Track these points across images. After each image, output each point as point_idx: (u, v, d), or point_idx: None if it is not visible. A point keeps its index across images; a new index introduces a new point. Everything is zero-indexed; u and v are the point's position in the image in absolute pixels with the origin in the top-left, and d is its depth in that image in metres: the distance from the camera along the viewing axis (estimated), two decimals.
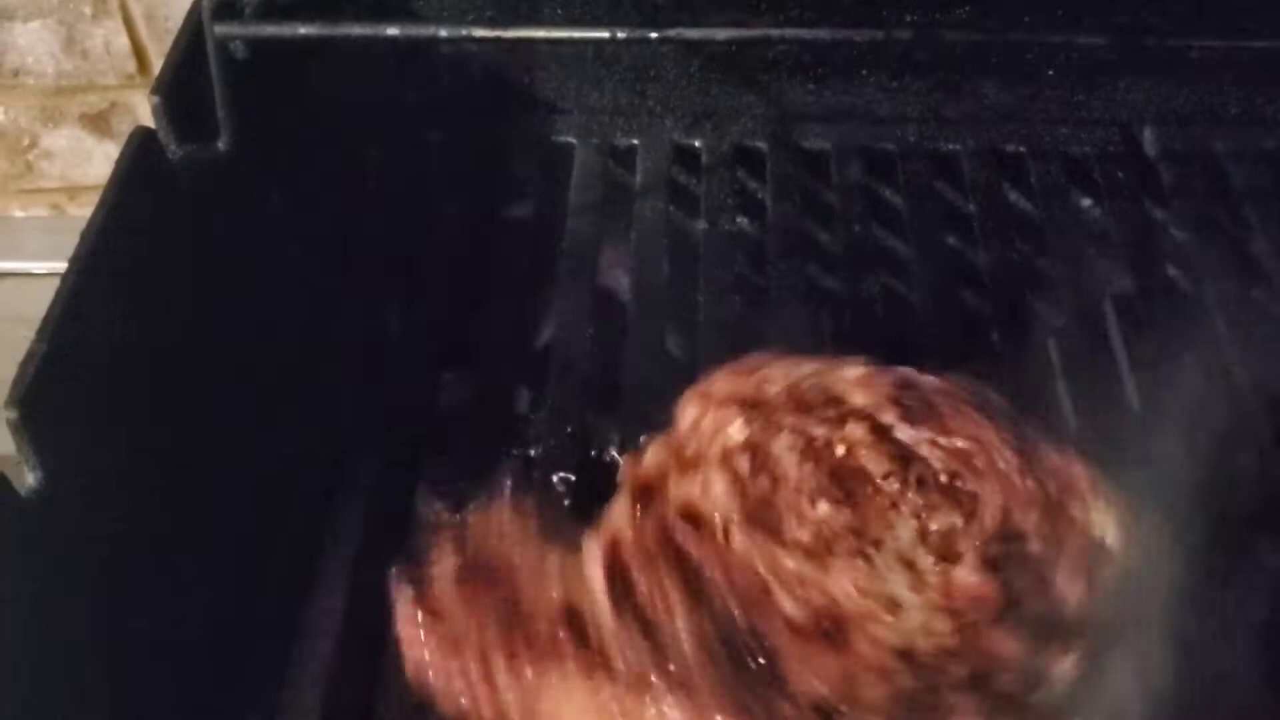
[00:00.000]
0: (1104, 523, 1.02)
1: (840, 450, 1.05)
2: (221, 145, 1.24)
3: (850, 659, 0.95)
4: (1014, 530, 1.01)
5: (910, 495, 1.04)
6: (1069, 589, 0.98)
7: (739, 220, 1.52)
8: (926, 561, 0.99)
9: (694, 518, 1.03)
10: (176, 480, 1.11)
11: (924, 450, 1.06)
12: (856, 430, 1.08)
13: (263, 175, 1.31)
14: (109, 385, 1.04)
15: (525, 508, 1.08)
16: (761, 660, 0.95)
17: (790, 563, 1.00)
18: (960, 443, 1.06)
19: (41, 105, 1.86)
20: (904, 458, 1.06)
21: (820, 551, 1.00)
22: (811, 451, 1.06)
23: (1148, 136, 1.61)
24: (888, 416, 1.07)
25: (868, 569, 0.99)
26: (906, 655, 0.95)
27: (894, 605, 0.98)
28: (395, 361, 1.37)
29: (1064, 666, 0.96)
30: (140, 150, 1.14)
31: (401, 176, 1.54)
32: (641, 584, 1.00)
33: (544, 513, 1.08)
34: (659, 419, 1.13)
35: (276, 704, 1.09)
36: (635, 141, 1.60)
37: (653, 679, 0.95)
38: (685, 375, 1.33)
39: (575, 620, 1.00)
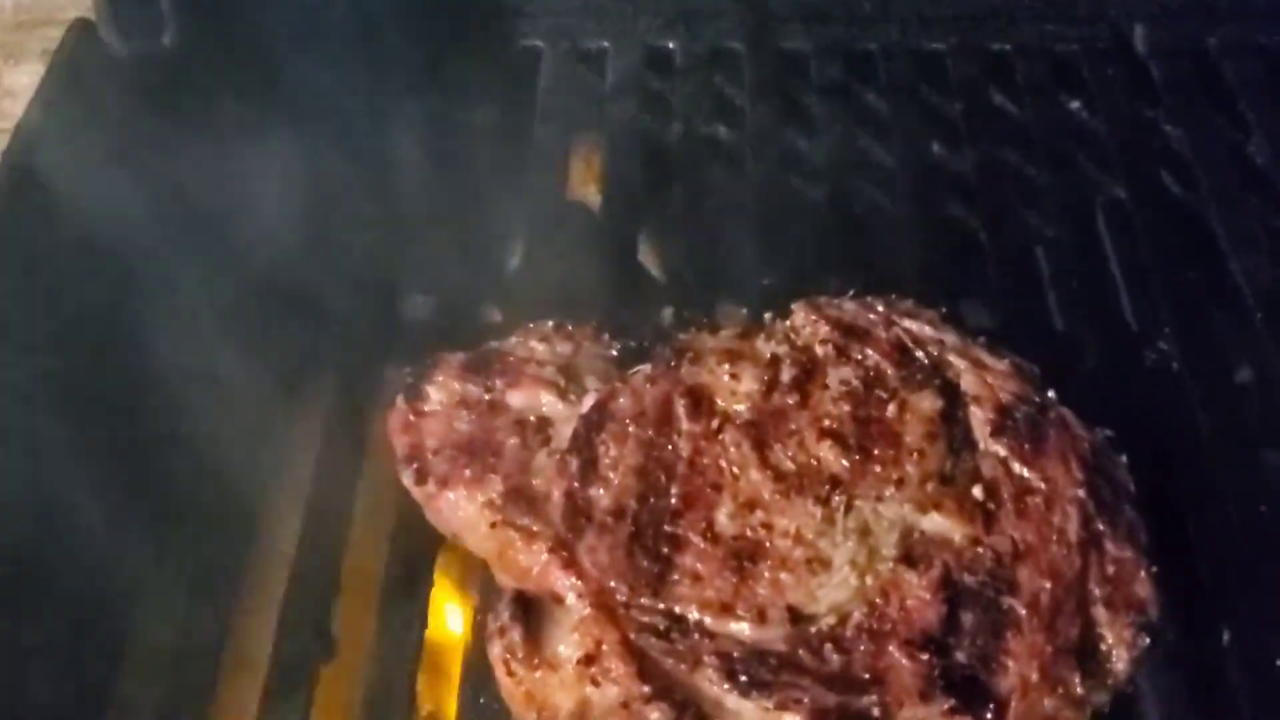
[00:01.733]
0: (1114, 643, 0.91)
1: (893, 409, 1.01)
2: (167, 40, 1.15)
3: (743, 590, 0.91)
4: (1009, 581, 0.93)
5: (929, 485, 0.98)
6: (1006, 679, 0.88)
7: (716, 127, 1.44)
8: (889, 549, 0.95)
9: (699, 401, 1.01)
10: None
11: (986, 460, 0.99)
12: (928, 402, 1.02)
13: (211, 75, 1.23)
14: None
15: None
16: (662, 550, 0.93)
17: (755, 479, 0.97)
18: (1030, 475, 0.98)
19: (1, 42, 1.76)
20: (956, 452, 1.00)
21: (792, 485, 0.97)
22: (863, 395, 1.02)
23: (1138, 33, 1.53)
24: (983, 411, 1.01)
25: (823, 522, 0.95)
26: (797, 617, 0.91)
27: (822, 567, 0.93)
28: (358, 282, 1.29)
29: None
30: (79, 44, 1.06)
31: (361, 84, 1.45)
32: (605, 440, 0.98)
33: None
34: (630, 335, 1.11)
35: None
36: (605, 44, 1.52)
37: (535, 526, 0.95)
38: (659, 293, 1.31)
39: (527, 447, 1.00)
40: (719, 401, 1.02)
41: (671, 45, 1.51)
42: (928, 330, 1.08)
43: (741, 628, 0.90)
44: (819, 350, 1.05)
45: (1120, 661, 0.91)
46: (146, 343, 1.10)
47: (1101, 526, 0.96)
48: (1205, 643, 1.01)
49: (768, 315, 1.11)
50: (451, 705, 1.03)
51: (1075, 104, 1.47)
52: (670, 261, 1.34)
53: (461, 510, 0.99)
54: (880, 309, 1.09)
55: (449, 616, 1.09)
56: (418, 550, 1.06)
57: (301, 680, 1.00)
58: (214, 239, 1.16)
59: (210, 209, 1.16)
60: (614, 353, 1.10)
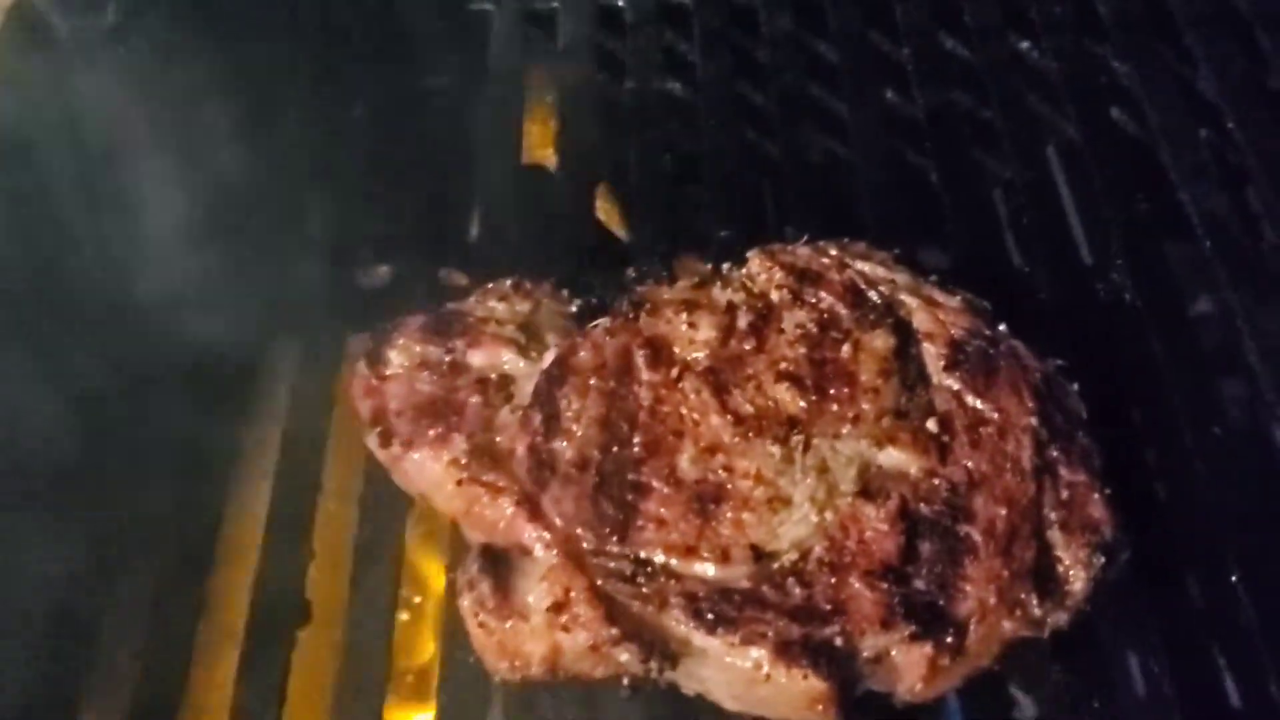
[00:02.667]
0: (1071, 564, 0.93)
1: (847, 349, 1.02)
2: (110, 18, 1.15)
3: (706, 531, 0.93)
4: (965, 510, 0.95)
5: (885, 421, 0.99)
6: (965, 603, 0.90)
7: (669, 82, 1.45)
8: (848, 484, 0.96)
9: (658, 351, 1.02)
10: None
11: (940, 394, 1.01)
12: (881, 340, 1.03)
13: (156, 52, 1.22)
14: None
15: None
16: (626, 497, 0.94)
17: (715, 424, 0.98)
18: (983, 406, 0.99)
19: None
20: (910, 387, 1.02)
21: (752, 427, 0.98)
22: (818, 337, 1.03)
23: None
24: (936, 347, 1.03)
25: (782, 461, 0.97)
26: (760, 554, 0.92)
27: (783, 505, 0.95)
28: (316, 251, 1.30)
29: (910, 661, 0.88)
30: (22, 22, 1.06)
31: (310, 51, 1.45)
32: (567, 393, 1.00)
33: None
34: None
35: None
36: (555, 4, 1.51)
37: (500, 482, 0.96)
38: (619, 251, 1.32)
39: (490, 405, 1.01)
40: (678, 350, 1.03)
41: (621, 3, 1.51)
42: (880, 271, 1.09)
43: (706, 568, 0.92)
44: (774, 296, 1.06)
45: (1077, 582, 0.93)
46: (107, 317, 1.11)
47: (1055, 453, 0.98)
48: (1163, 562, 1.04)
49: (725, 266, 1.12)
50: (428, 662, 1.04)
51: (1025, 44, 1.48)
52: (629, 219, 1.34)
53: (427, 470, 1.00)
54: (833, 253, 1.11)
55: (420, 576, 1.10)
56: (387, 513, 1.07)
57: (279, 645, 1.01)
58: (166, 208, 1.15)
59: (161, 179, 1.15)
60: (573, 309, 1.11)
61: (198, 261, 1.20)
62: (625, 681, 0.91)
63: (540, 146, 1.45)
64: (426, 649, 1.08)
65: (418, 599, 1.11)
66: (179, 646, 1.04)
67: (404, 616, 1.06)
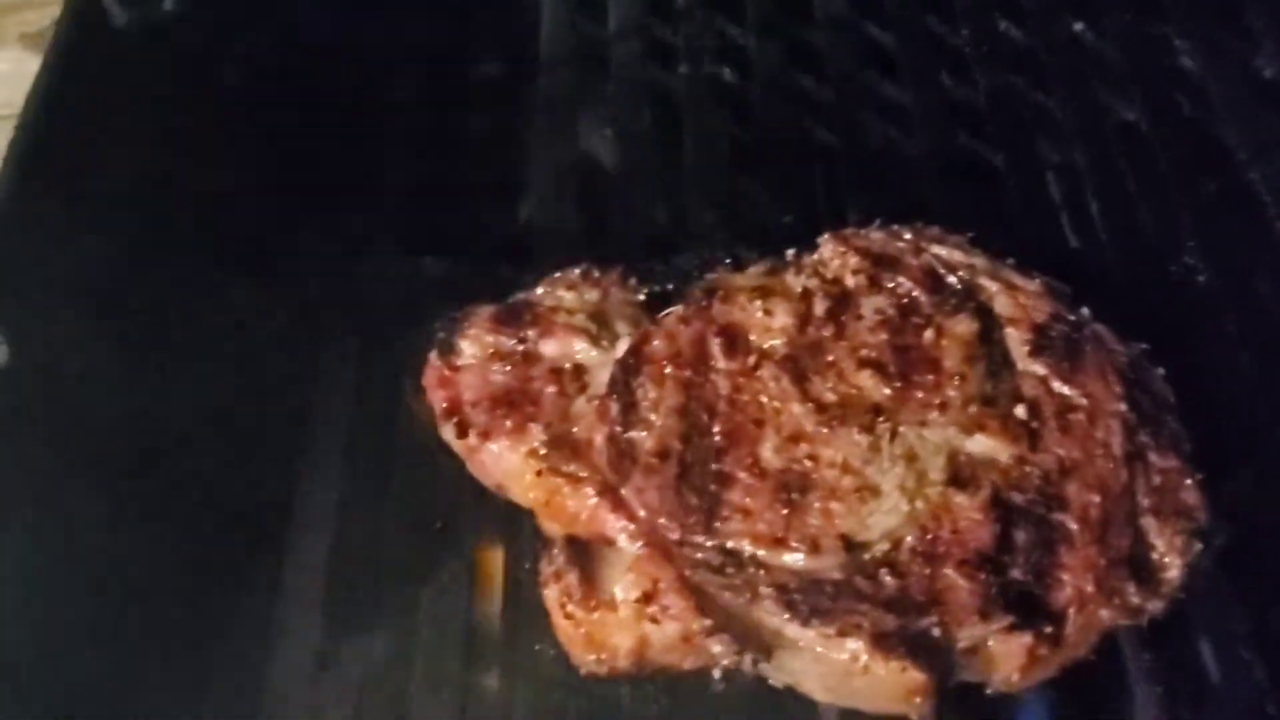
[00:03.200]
0: (1165, 551, 0.91)
1: (929, 335, 1.00)
2: (168, 6, 1.13)
3: (794, 522, 0.91)
4: (1058, 497, 0.92)
5: (972, 407, 0.97)
6: (1062, 592, 0.88)
7: (721, 69, 1.43)
8: (937, 473, 0.94)
9: (734, 338, 1.00)
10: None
11: (1026, 380, 0.99)
12: (964, 325, 1.01)
13: (213, 42, 1.21)
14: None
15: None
16: (709, 487, 0.93)
17: (797, 412, 0.97)
18: (1070, 392, 0.97)
19: None
20: (995, 373, 1.00)
21: (835, 416, 0.96)
22: (898, 322, 1.01)
23: None
24: (1019, 332, 1.01)
25: (869, 450, 0.95)
26: (850, 545, 0.90)
27: (871, 494, 0.93)
28: (366, 247, 1.28)
29: (1008, 652, 0.86)
30: (80, 13, 1.04)
31: (360, 39, 1.43)
32: (643, 382, 0.98)
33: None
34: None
35: None
36: None
37: (581, 472, 0.95)
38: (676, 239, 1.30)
39: (565, 394, 1.00)
40: (754, 338, 1.02)
41: None
42: (957, 255, 1.07)
43: (796, 558, 0.90)
44: (850, 281, 1.05)
45: (1173, 569, 0.91)
46: (168, 320, 1.10)
47: (1144, 438, 0.96)
48: (1251, 547, 1.02)
49: (790, 252, 1.10)
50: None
51: (1081, 25, 1.46)
52: (685, 208, 1.32)
53: (505, 461, 0.99)
54: (908, 237, 1.09)
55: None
56: (457, 508, 1.06)
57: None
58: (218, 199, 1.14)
59: (213, 167, 1.13)
60: (641, 297, 1.10)
61: (251, 262, 1.19)
62: (717, 675, 0.89)
63: (592, 132, 1.42)
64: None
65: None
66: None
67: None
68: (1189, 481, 0.94)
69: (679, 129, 1.37)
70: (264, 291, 1.19)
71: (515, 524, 1.03)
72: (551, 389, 1.01)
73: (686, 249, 1.23)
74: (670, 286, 1.11)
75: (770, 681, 0.92)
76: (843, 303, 1.03)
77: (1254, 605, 1.00)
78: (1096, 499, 0.92)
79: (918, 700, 0.86)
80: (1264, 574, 1.02)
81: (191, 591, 1.03)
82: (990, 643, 0.87)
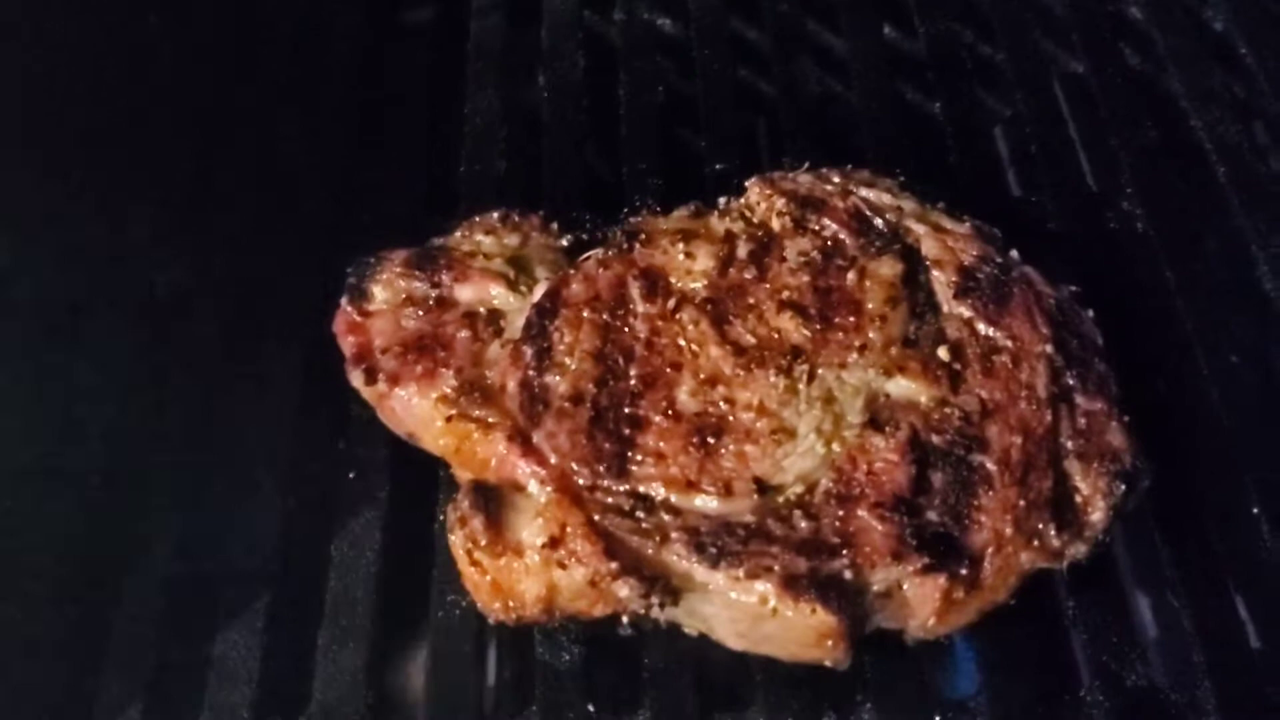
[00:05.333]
0: (1089, 494, 0.89)
1: (852, 277, 0.98)
2: None
3: (707, 466, 0.89)
4: (979, 439, 0.90)
5: (893, 349, 0.95)
6: (979, 534, 0.86)
7: (659, 17, 1.39)
8: (855, 415, 0.92)
9: (654, 281, 0.98)
10: None
11: (951, 322, 0.97)
12: (888, 267, 0.99)
13: None
14: None
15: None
16: (623, 431, 0.90)
17: (715, 355, 0.94)
18: (996, 334, 0.95)
19: None
20: (920, 315, 0.98)
21: (753, 358, 0.94)
22: (822, 264, 0.99)
23: None
24: (945, 274, 0.99)
25: (786, 392, 0.92)
26: (764, 488, 0.88)
27: (787, 437, 0.91)
28: (295, 192, 1.25)
29: (923, 595, 0.84)
30: None
31: None
32: (560, 326, 0.96)
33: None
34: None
35: None
36: None
37: (491, 418, 0.92)
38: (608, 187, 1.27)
39: (479, 340, 0.97)
40: (674, 281, 0.99)
41: None
42: (886, 198, 1.05)
43: (708, 502, 0.87)
44: (775, 224, 1.02)
45: (1096, 511, 0.89)
46: None
47: (1071, 380, 0.94)
48: (1178, 496, 1.00)
49: (722, 200, 1.08)
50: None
51: None
52: (618, 156, 1.29)
53: (415, 407, 0.96)
54: (836, 179, 1.06)
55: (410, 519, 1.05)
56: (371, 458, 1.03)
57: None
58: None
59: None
60: (564, 243, 1.07)
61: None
62: (625, 620, 0.87)
63: (527, 83, 1.39)
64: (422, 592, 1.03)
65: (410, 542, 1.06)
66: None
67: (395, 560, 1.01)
68: (1115, 424, 0.92)
69: (614, 77, 1.33)
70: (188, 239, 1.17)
71: (431, 474, 1.01)
72: (465, 334, 0.98)
73: (618, 197, 1.21)
74: (596, 233, 1.08)
75: (685, 629, 0.90)
76: (766, 245, 1.00)
77: (1183, 552, 0.98)
78: (1018, 441, 0.90)
79: (829, 644, 0.83)
80: (1193, 520, 1.00)
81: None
82: (905, 586, 0.85)
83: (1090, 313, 1.00)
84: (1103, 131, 1.27)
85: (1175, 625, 0.96)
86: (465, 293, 1.01)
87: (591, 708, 0.91)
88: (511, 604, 0.87)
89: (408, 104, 1.32)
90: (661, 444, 0.90)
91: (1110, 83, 1.31)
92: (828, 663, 0.86)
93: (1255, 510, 0.99)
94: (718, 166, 1.23)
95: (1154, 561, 0.97)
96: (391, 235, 1.10)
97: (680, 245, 1.01)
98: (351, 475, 1.03)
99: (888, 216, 1.03)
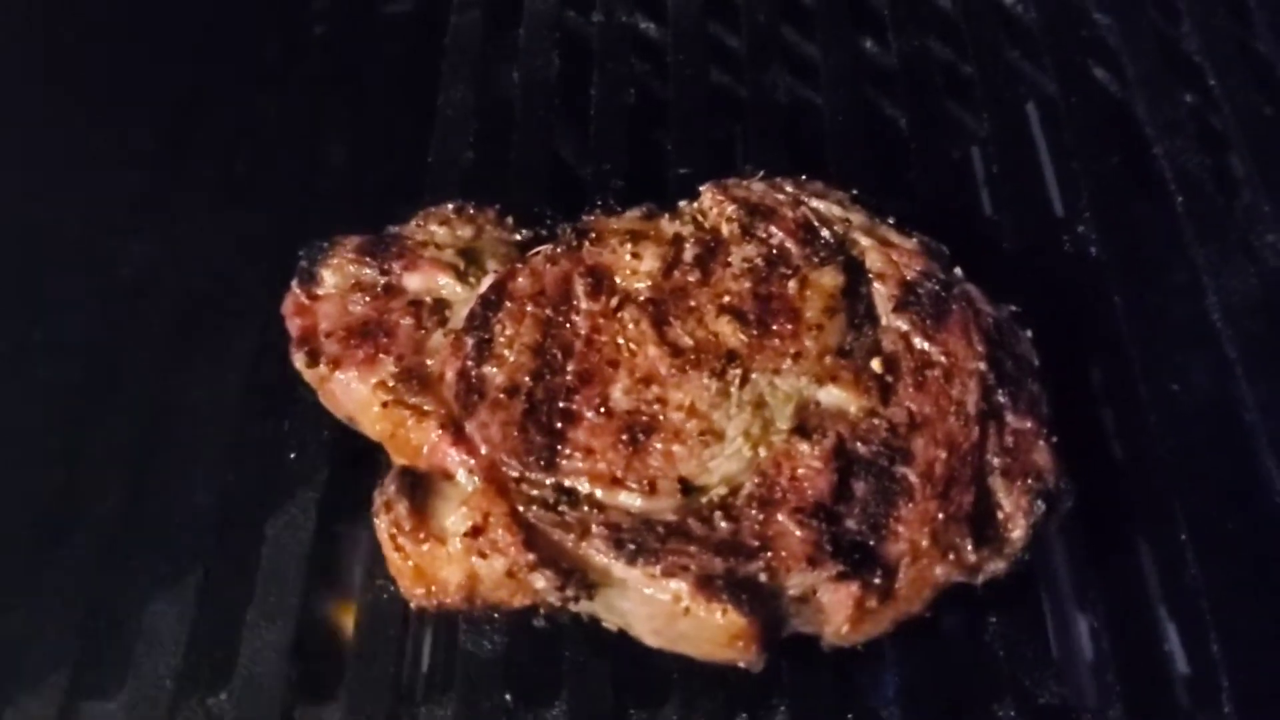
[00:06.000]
0: (1011, 511, 0.90)
1: (794, 285, 0.99)
2: None
3: (634, 463, 0.90)
4: (904, 451, 0.91)
5: (827, 359, 0.96)
6: (896, 545, 0.87)
7: (637, 18, 1.40)
8: (784, 421, 0.93)
9: (600, 279, 0.99)
10: None
11: (888, 334, 0.98)
12: (829, 277, 1.00)
13: None
14: None
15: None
16: (555, 425, 0.91)
17: (652, 355, 0.95)
18: (930, 349, 0.96)
19: None
20: (858, 326, 0.98)
21: (689, 360, 0.95)
22: (765, 271, 1.00)
23: None
24: (886, 287, 0.99)
25: (718, 395, 0.93)
26: (688, 488, 0.89)
27: (715, 438, 0.92)
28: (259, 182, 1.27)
29: (836, 601, 0.85)
30: None
31: None
32: (502, 319, 0.97)
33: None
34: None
35: None
36: None
37: (427, 406, 0.93)
38: (574, 185, 1.28)
39: (423, 328, 0.98)
40: (619, 280, 1.00)
41: None
42: (836, 210, 1.06)
43: (632, 499, 0.89)
44: (725, 229, 1.03)
45: (1016, 529, 0.90)
46: None
47: (1002, 399, 0.94)
48: (1112, 519, 1.01)
49: (681, 203, 1.09)
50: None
51: None
52: (587, 152, 1.30)
53: (353, 391, 0.97)
54: (789, 189, 1.07)
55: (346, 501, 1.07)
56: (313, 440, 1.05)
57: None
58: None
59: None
60: (518, 237, 1.08)
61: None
62: (541, 612, 0.88)
63: (502, 79, 1.40)
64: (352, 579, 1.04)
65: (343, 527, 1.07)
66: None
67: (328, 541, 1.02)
68: (1042, 444, 0.93)
69: (589, 77, 1.35)
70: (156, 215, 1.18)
71: (371, 458, 1.02)
72: (409, 322, 0.99)
73: (581, 196, 1.22)
74: (550, 228, 1.09)
75: (605, 625, 0.91)
76: (712, 250, 1.02)
77: (1108, 575, 0.99)
78: (942, 455, 0.90)
79: (741, 645, 0.84)
80: (1121, 544, 1.01)
81: None
82: (820, 592, 0.86)
83: (1029, 333, 1.00)
84: (1065, 153, 1.28)
85: (1095, 647, 0.97)
86: (414, 281, 1.03)
87: (509, 697, 0.93)
88: (433, 590, 0.88)
89: (380, 92, 1.34)
90: (591, 439, 0.91)
91: (1077, 104, 1.32)
92: (741, 664, 0.87)
93: (1183, 537, 1.00)
94: (681, 170, 1.24)
95: (1078, 583, 0.98)
96: (354, 222, 1.12)
97: (628, 245, 1.02)
98: (293, 456, 1.04)
99: (835, 228, 1.04)
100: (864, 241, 1.03)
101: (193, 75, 1.33)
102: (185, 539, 1.00)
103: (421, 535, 0.88)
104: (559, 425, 0.92)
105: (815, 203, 1.06)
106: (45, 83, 1.17)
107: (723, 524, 0.87)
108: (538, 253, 1.03)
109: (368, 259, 1.03)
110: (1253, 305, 1.13)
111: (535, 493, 0.89)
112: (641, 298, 0.99)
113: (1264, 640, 0.96)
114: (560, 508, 0.88)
